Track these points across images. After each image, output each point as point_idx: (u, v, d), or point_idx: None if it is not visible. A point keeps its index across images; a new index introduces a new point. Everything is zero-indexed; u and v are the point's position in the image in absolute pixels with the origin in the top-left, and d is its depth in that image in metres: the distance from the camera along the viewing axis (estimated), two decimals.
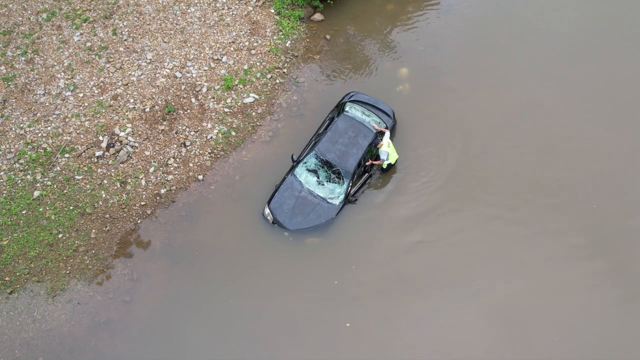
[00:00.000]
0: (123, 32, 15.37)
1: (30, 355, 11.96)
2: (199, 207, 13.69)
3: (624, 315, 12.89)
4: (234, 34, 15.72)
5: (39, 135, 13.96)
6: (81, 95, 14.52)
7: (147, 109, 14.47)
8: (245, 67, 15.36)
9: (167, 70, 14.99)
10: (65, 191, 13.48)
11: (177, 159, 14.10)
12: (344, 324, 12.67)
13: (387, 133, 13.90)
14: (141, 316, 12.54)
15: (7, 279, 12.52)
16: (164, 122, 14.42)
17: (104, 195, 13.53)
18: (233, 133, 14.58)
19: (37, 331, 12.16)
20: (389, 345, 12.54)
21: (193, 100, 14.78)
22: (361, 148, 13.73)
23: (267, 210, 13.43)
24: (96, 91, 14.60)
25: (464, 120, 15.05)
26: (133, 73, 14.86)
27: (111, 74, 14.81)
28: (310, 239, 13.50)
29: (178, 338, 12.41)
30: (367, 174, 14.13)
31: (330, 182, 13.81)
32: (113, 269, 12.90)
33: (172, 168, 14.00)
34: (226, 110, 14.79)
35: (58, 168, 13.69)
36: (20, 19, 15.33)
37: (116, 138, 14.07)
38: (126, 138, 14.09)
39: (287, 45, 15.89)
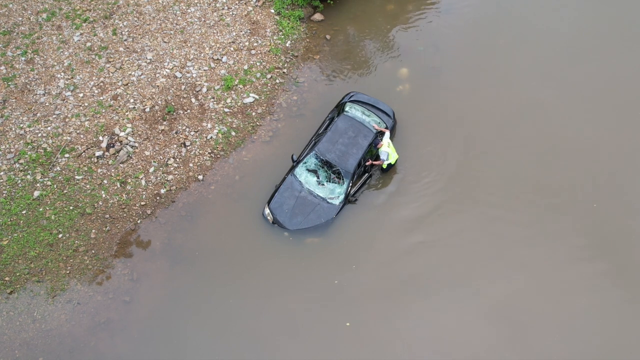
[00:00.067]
0: (123, 32, 15.37)
1: (30, 356, 11.96)
2: (199, 207, 13.69)
3: (624, 315, 12.88)
4: (234, 34, 15.72)
5: (39, 135, 13.96)
6: (81, 95, 14.52)
7: (147, 109, 14.47)
8: (245, 67, 15.36)
9: (167, 70, 14.99)
10: (65, 191, 13.48)
11: (177, 159, 14.10)
12: (344, 324, 12.66)
13: (387, 133, 13.90)
14: (141, 316, 12.53)
15: (7, 279, 12.52)
16: (164, 122, 14.42)
17: (104, 195, 13.53)
18: (233, 133, 14.58)
19: (37, 331, 12.16)
20: (389, 345, 12.54)
21: (193, 100, 14.78)
22: (361, 148, 13.73)
23: (267, 210, 13.43)
24: (96, 91, 14.60)
25: (464, 120, 15.05)
26: (133, 73, 14.86)
27: (111, 74, 14.81)
28: (310, 239, 13.49)
29: (178, 338, 12.41)
30: (367, 174, 14.12)
31: (330, 182, 13.81)
32: (113, 269, 12.90)
33: (172, 168, 14.00)
34: (226, 110, 14.79)
35: (58, 168, 13.69)
36: (20, 19, 15.33)
37: (116, 138, 14.07)
38: (126, 138, 14.09)
39: (287, 45, 15.89)
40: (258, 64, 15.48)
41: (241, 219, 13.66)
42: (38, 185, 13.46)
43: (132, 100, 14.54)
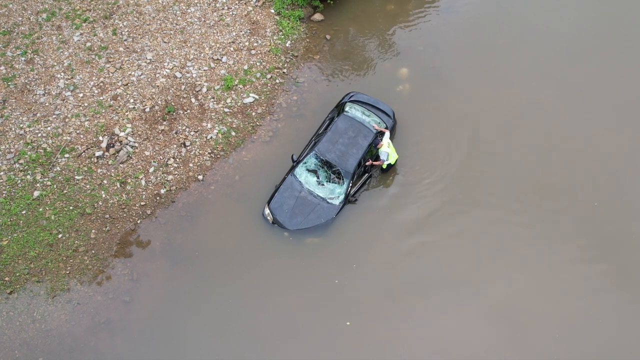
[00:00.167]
0: (123, 32, 15.37)
1: (30, 356, 11.95)
2: (198, 207, 13.69)
3: (624, 315, 12.88)
4: (234, 34, 15.72)
5: (39, 135, 13.96)
6: (81, 95, 14.52)
7: (147, 109, 14.47)
8: (245, 67, 15.35)
9: (167, 70, 14.99)
10: (65, 191, 13.48)
11: (177, 159, 14.10)
12: (344, 324, 12.66)
13: (387, 133, 13.90)
14: (141, 316, 12.53)
15: (7, 279, 12.52)
16: (164, 122, 14.42)
17: (103, 196, 13.53)
18: (233, 133, 14.58)
19: (37, 331, 12.15)
20: (389, 345, 12.53)
21: (193, 100, 14.77)
22: (361, 148, 13.72)
23: (267, 210, 13.43)
24: (96, 91, 14.60)
25: (464, 121, 15.05)
26: (133, 73, 14.86)
27: (111, 74, 14.81)
28: (310, 239, 13.49)
29: (178, 338, 12.40)
30: (367, 174, 14.12)
31: (330, 182, 13.81)
32: (113, 269, 12.90)
33: (172, 168, 14.00)
34: (226, 110, 14.79)
35: (58, 168, 13.69)
36: (20, 19, 15.33)
37: (116, 138, 14.07)
38: (126, 138, 14.08)
39: (287, 45, 15.89)
40: (258, 64, 15.48)
41: (241, 219, 13.65)
42: (38, 185, 13.46)
43: (132, 101, 14.54)
